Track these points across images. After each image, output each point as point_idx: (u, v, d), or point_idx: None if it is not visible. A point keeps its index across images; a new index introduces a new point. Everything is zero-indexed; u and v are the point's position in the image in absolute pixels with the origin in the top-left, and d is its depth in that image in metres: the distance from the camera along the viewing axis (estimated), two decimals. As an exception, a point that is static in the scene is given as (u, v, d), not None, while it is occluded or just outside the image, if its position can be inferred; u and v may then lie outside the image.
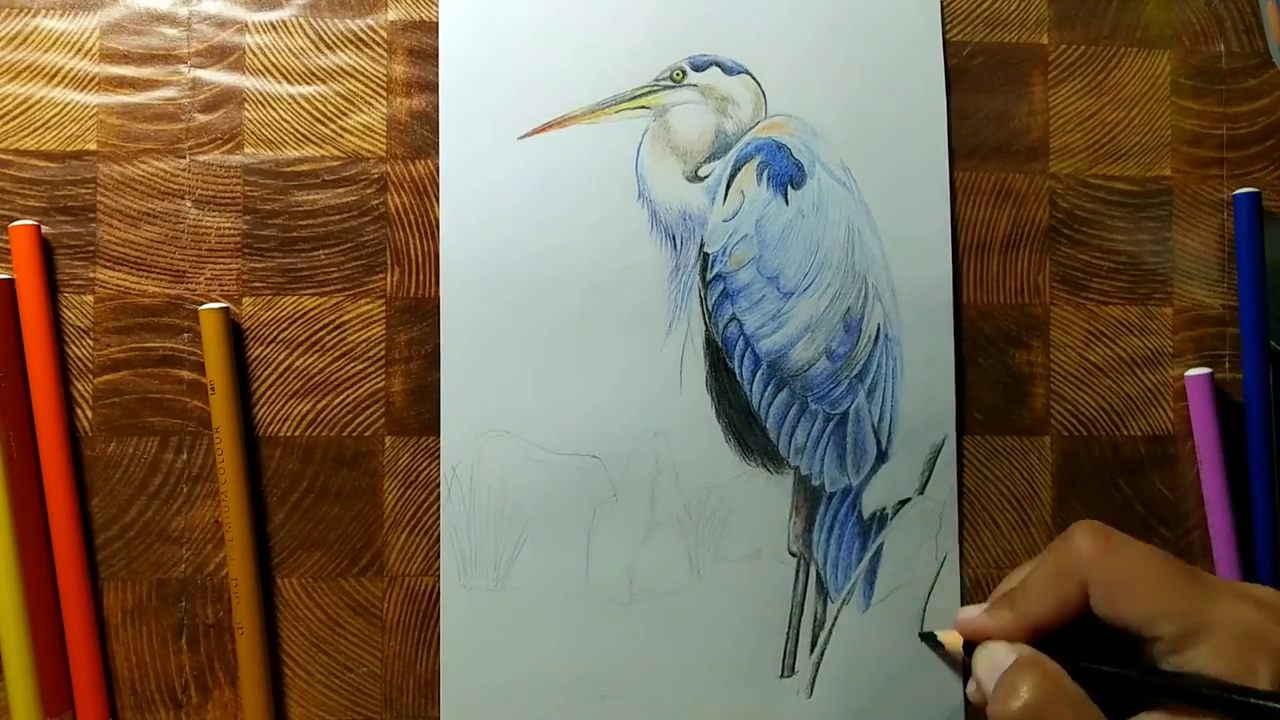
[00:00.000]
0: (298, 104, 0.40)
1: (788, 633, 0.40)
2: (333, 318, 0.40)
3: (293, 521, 0.39)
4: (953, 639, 0.38)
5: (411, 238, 0.40)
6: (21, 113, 0.39)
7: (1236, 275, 0.42)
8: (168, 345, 0.39)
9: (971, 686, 0.36)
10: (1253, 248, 0.41)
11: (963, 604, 0.41)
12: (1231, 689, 0.29)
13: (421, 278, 0.40)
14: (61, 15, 0.39)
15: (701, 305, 0.40)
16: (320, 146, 0.40)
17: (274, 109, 0.40)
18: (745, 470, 0.40)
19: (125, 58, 0.39)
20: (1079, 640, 0.33)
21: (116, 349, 0.39)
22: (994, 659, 0.34)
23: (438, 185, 0.40)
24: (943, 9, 0.42)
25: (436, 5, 0.40)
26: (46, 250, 0.39)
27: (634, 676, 0.39)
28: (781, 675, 0.40)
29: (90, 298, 0.39)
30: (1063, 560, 0.33)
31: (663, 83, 0.41)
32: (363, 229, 0.40)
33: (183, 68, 0.40)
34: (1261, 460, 0.41)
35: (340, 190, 0.40)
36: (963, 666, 0.40)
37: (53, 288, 0.39)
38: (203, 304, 0.39)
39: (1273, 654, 0.29)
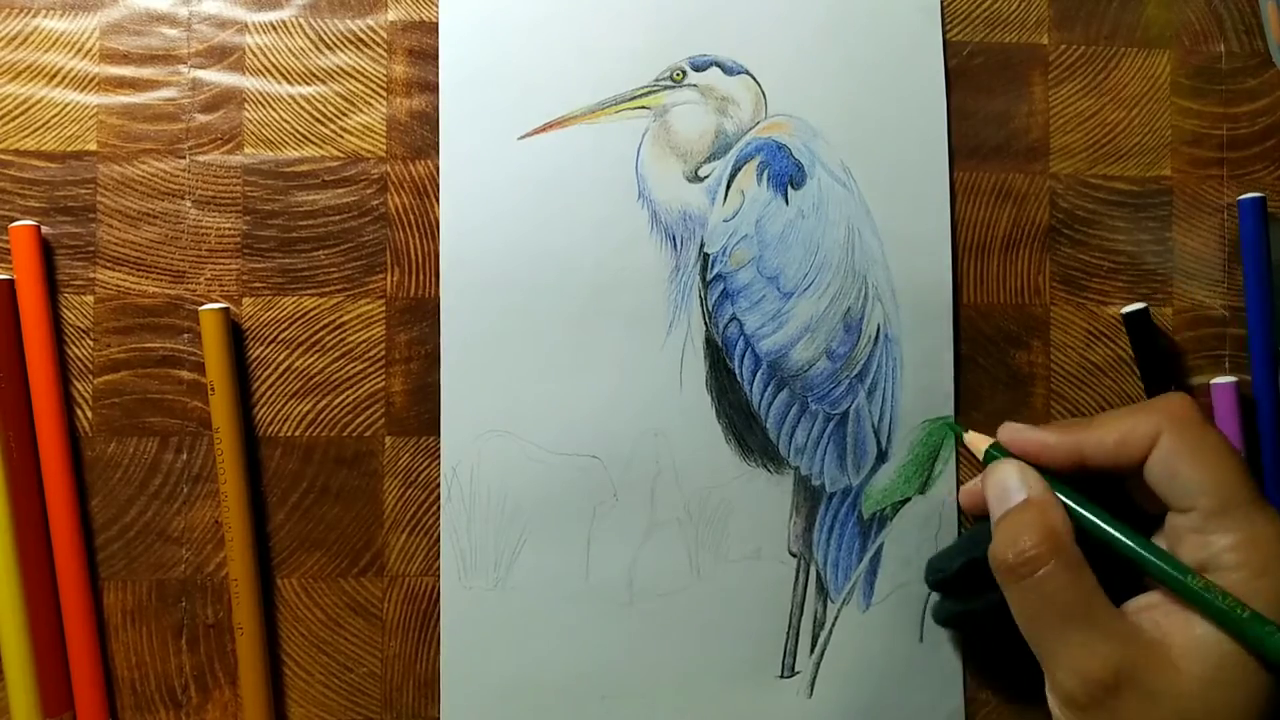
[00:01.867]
0: (298, 104, 0.40)
1: (788, 633, 0.40)
2: (333, 318, 0.40)
3: (293, 521, 0.39)
4: (977, 442, 0.38)
5: (411, 238, 0.40)
6: (21, 113, 0.39)
7: (1238, 276, 0.42)
8: (168, 345, 0.39)
9: (966, 490, 0.38)
10: (1258, 253, 0.41)
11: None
12: (1235, 603, 0.29)
13: (421, 278, 0.40)
14: (61, 15, 0.39)
15: (701, 305, 0.40)
16: (320, 147, 0.40)
17: (274, 109, 0.40)
18: (745, 470, 0.40)
19: (125, 58, 0.39)
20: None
21: (116, 349, 0.39)
22: (1003, 483, 0.34)
23: (438, 185, 0.40)
24: (943, 9, 0.42)
25: (436, 5, 0.40)
26: (46, 250, 0.39)
27: (634, 676, 0.39)
28: (781, 675, 0.40)
29: (90, 298, 0.39)
30: (1147, 408, 0.33)
31: (663, 83, 0.41)
32: (363, 229, 0.40)
33: (183, 68, 0.40)
34: (1274, 468, 0.40)
35: (340, 190, 0.40)
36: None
37: (53, 288, 0.39)
38: (203, 304, 0.39)
39: None
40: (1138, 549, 0.32)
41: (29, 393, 0.37)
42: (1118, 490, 0.35)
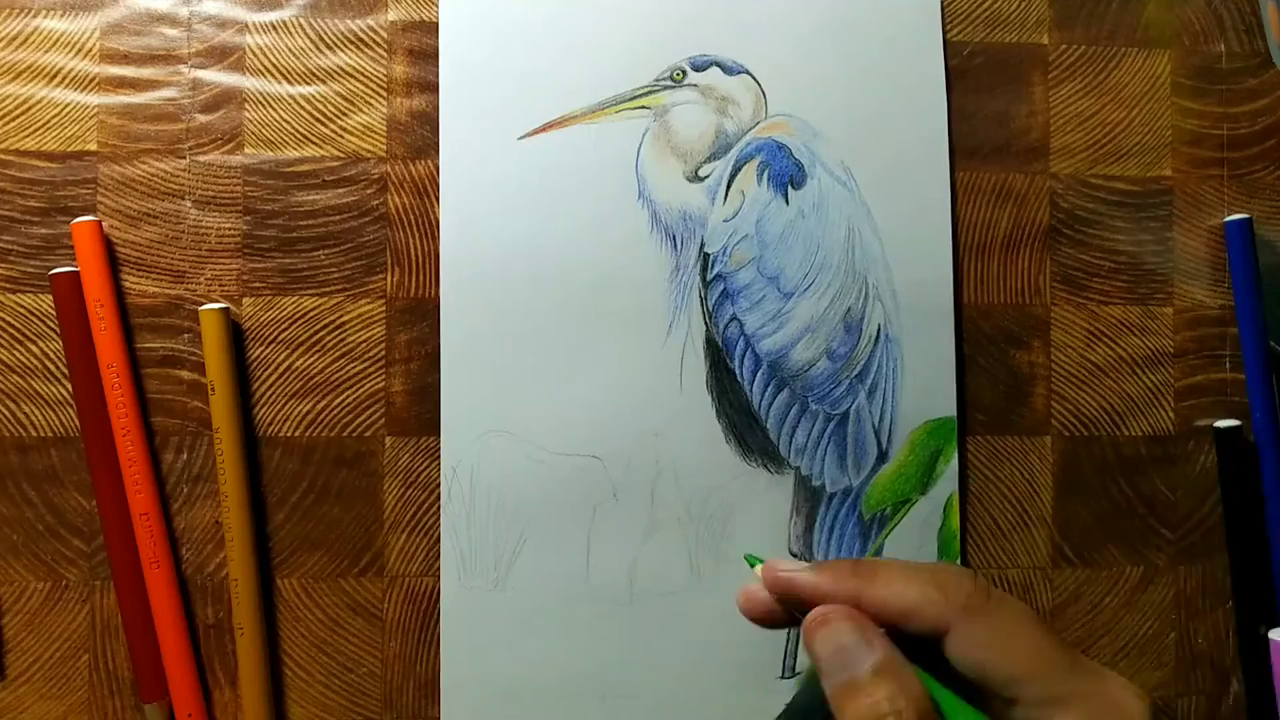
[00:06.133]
0: (298, 104, 0.40)
1: (788, 633, 0.40)
2: (333, 318, 0.40)
3: (293, 522, 0.39)
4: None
5: (411, 238, 0.40)
6: (21, 113, 0.39)
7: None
8: (168, 345, 0.39)
9: (747, 594, 0.31)
10: (1246, 272, 0.41)
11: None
12: None
13: (421, 278, 0.40)
14: (61, 15, 0.39)
15: (702, 305, 0.40)
16: (320, 147, 0.40)
17: (274, 109, 0.40)
18: (745, 470, 0.40)
19: (125, 58, 0.39)
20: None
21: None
22: (838, 642, 0.29)
23: (438, 185, 0.40)
24: (943, 9, 0.42)
25: (436, 5, 0.40)
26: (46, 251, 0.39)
27: (634, 676, 0.39)
28: (781, 675, 0.40)
29: (90, 298, 0.39)
30: (934, 590, 0.29)
31: (663, 83, 0.41)
32: (363, 229, 0.40)
33: (183, 68, 0.40)
34: (1274, 483, 0.40)
35: (340, 190, 0.40)
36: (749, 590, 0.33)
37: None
38: (203, 304, 0.39)
39: None
40: None
41: (104, 395, 0.38)
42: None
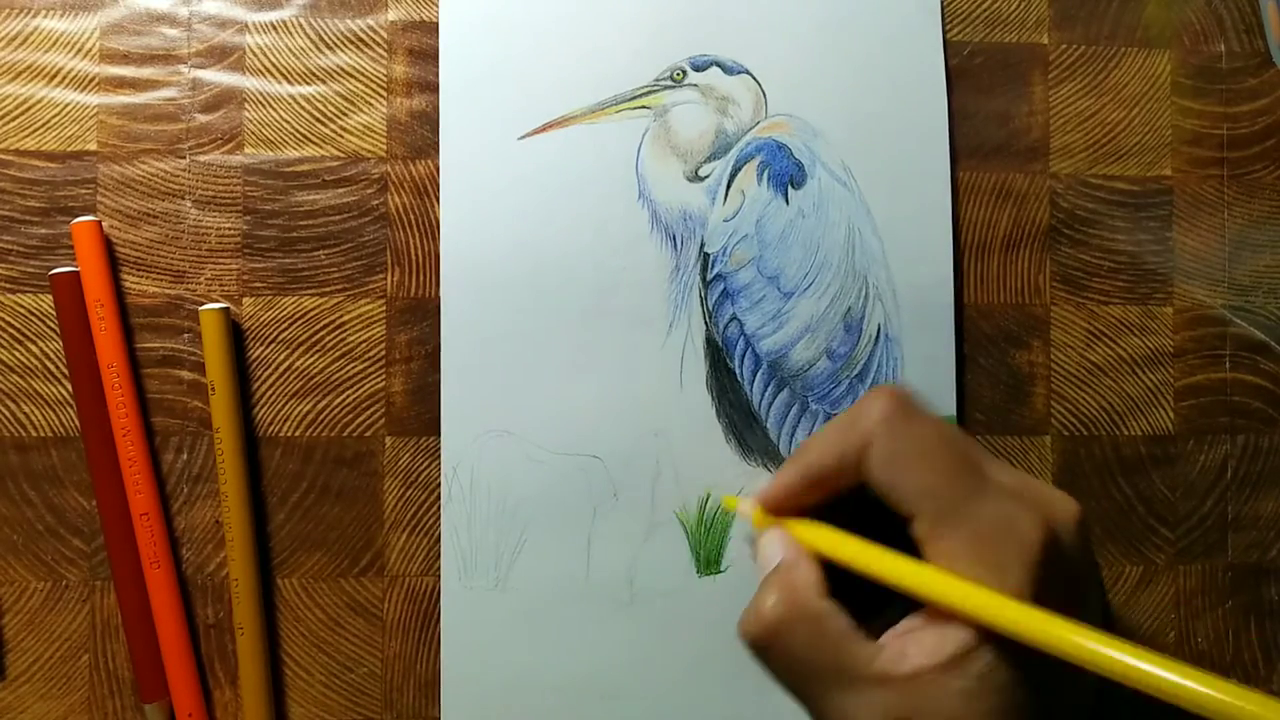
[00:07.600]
0: (298, 104, 0.40)
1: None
2: (333, 318, 0.40)
3: (293, 522, 0.39)
4: (745, 508, 0.36)
5: (411, 238, 0.40)
6: (21, 113, 0.39)
7: (1238, 275, 0.42)
8: (168, 345, 0.39)
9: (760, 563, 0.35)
10: None
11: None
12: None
13: (421, 278, 0.40)
14: (61, 15, 0.39)
15: (702, 305, 0.40)
16: (320, 146, 0.40)
17: (274, 109, 0.40)
18: (746, 470, 0.40)
19: (125, 58, 0.39)
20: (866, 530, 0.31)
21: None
22: (764, 552, 0.33)
23: (438, 185, 0.40)
24: (943, 9, 0.42)
25: (436, 5, 0.40)
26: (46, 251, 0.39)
27: (634, 676, 0.39)
28: (782, 675, 0.40)
29: (90, 298, 0.39)
30: (852, 417, 0.31)
31: (663, 83, 0.41)
32: (363, 229, 0.40)
33: (183, 68, 0.40)
34: None
35: (340, 190, 0.40)
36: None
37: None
38: (203, 304, 0.39)
39: (1023, 549, 0.28)
40: (886, 571, 0.29)
41: (103, 394, 0.38)
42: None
